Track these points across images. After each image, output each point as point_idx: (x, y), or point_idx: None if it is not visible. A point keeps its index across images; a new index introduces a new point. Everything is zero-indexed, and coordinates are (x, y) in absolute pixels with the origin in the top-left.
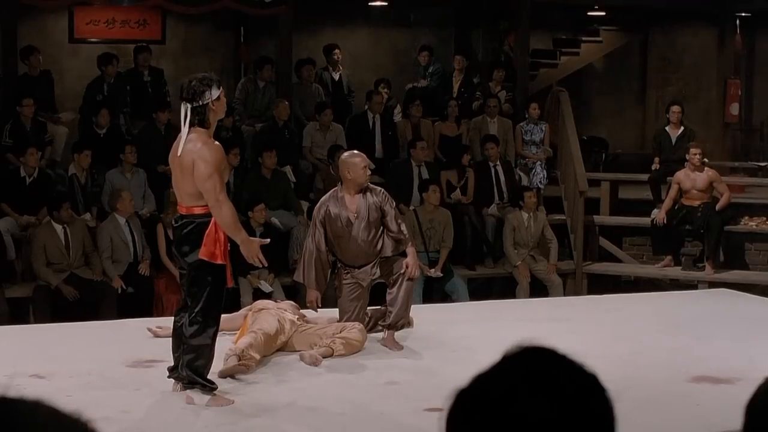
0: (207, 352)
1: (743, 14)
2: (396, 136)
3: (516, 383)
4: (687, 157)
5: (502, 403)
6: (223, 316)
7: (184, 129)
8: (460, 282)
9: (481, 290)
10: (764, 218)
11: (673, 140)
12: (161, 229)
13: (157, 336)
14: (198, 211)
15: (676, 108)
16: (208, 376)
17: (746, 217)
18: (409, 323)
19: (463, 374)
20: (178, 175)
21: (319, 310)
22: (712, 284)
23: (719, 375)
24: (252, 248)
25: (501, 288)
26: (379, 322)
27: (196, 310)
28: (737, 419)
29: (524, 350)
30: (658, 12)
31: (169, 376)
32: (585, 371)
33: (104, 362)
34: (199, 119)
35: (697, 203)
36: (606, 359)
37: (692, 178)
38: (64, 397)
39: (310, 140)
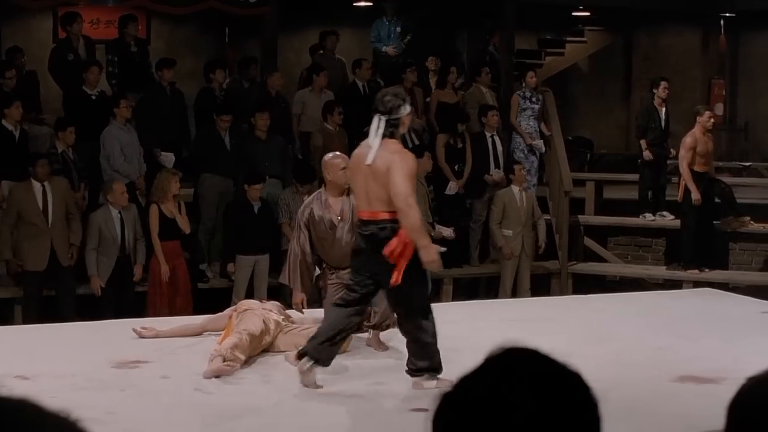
0: (428, 343)
1: (727, 15)
2: None
3: (499, 385)
4: (699, 119)
5: (485, 405)
6: (207, 316)
7: (377, 140)
8: None
9: (467, 290)
10: (748, 218)
11: (663, 117)
12: (155, 210)
13: (142, 337)
14: (389, 216)
15: (665, 83)
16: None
17: (731, 217)
18: (394, 323)
19: (449, 375)
20: (369, 181)
21: (304, 310)
22: (697, 284)
23: (704, 375)
24: (432, 252)
25: (487, 288)
26: (364, 323)
27: (411, 305)
28: (722, 419)
29: (507, 351)
30: (643, 12)
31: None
32: (568, 371)
33: (90, 363)
34: (392, 131)
35: (704, 169)
36: (591, 359)
37: (705, 142)
38: (49, 398)
39: (301, 107)
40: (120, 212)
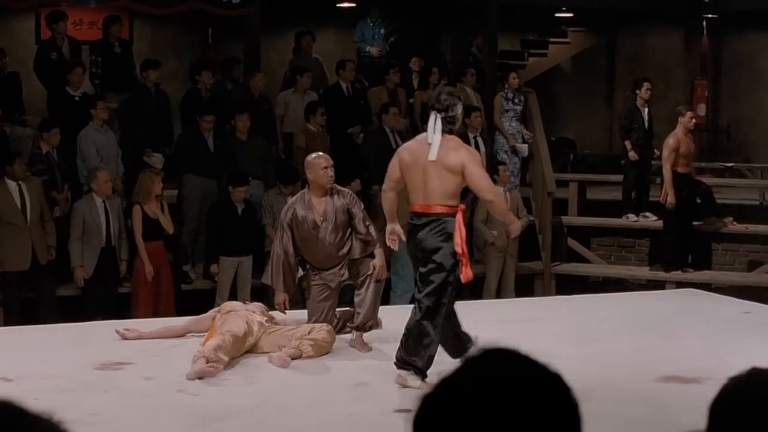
0: (429, 343)
1: (710, 16)
2: (368, 104)
3: (479, 386)
4: (681, 120)
5: (465, 406)
6: (190, 318)
7: (436, 136)
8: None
9: None
10: (731, 219)
11: (646, 118)
12: (138, 210)
13: (125, 338)
14: (443, 210)
15: (647, 84)
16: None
17: (713, 218)
18: (377, 324)
19: (431, 376)
20: (430, 176)
21: (287, 311)
22: (680, 284)
23: (687, 375)
24: (518, 228)
25: (471, 288)
26: (348, 324)
27: (432, 300)
28: (705, 419)
29: (487, 353)
30: (626, 13)
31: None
32: (548, 371)
33: (73, 365)
34: (450, 128)
35: (687, 170)
36: (574, 359)
37: (687, 143)
38: (32, 400)
39: (284, 108)
40: (104, 201)
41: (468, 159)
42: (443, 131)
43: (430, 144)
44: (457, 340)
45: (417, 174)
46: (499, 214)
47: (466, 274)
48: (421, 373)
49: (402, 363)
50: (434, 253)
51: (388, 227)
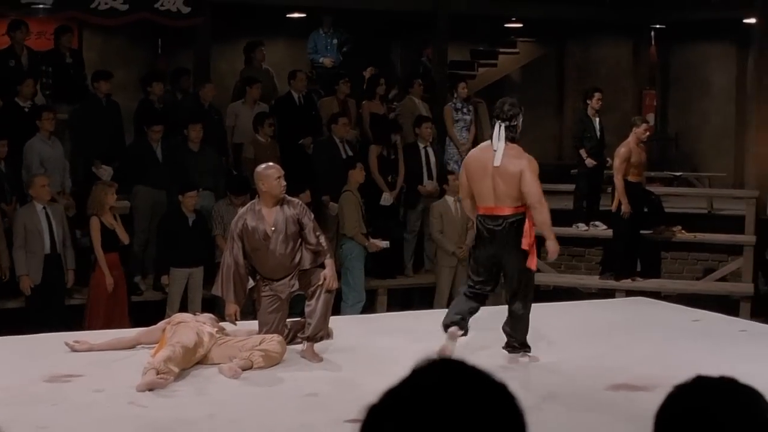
0: (527, 322)
1: (658, 26)
2: (319, 114)
3: (425, 397)
4: (635, 130)
5: (411, 417)
6: (140, 329)
7: (500, 144)
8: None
9: (401, 300)
10: (680, 227)
11: (597, 127)
12: (96, 222)
13: (75, 350)
14: (511, 211)
15: (599, 94)
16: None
17: (663, 227)
18: (328, 335)
19: (383, 386)
20: (498, 181)
21: (237, 322)
22: (630, 293)
23: (637, 382)
24: (557, 243)
25: (421, 298)
26: (299, 334)
27: (521, 290)
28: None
29: (433, 364)
30: (575, 24)
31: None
32: (494, 381)
33: (22, 377)
34: (511, 136)
35: (638, 179)
36: (525, 368)
37: (639, 153)
38: None
39: (234, 119)
40: (45, 207)
41: (526, 166)
42: (506, 139)
43: (494, 151)
44: (459, 315)
45: (485, 179)
46: (540, 224)
47: (532, 262)
48: (528, 348)
49: (515, 347)
50: (517, 252)
51: (471, 233)
